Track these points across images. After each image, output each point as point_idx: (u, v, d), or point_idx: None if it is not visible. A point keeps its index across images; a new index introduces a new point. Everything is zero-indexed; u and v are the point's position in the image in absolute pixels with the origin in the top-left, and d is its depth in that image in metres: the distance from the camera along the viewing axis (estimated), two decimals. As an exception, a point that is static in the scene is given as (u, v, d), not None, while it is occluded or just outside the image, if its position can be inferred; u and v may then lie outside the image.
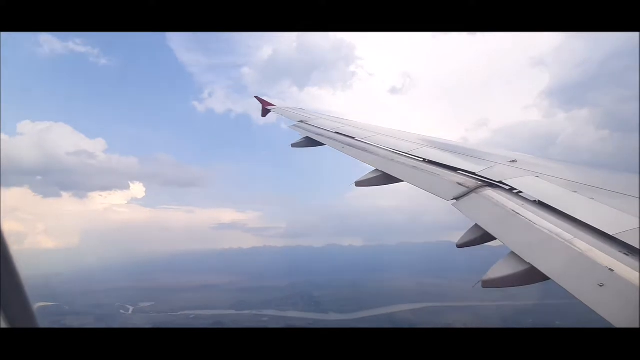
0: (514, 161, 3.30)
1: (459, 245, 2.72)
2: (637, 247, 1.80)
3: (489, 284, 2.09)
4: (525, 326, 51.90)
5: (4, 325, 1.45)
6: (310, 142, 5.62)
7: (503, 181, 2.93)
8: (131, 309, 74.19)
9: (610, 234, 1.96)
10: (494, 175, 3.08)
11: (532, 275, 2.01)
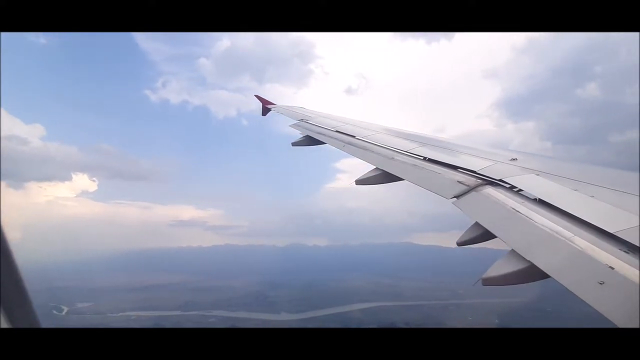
0: (514, 159, 3.29)
1: (459, 243, 2.71)
2: (638, 244, 1.80)
3: (489, 281, 2.09)
4: (465, 323, 53.90)
5: (5, 325, 1.45)
6: (310, 141, 5.59)
7: (503, 179, 2.93)
8: (66, 309, 69.06)
9: (611, 232, 1.95)
10: (494, 173, 3.07)
11: (532, 273, 2.00)
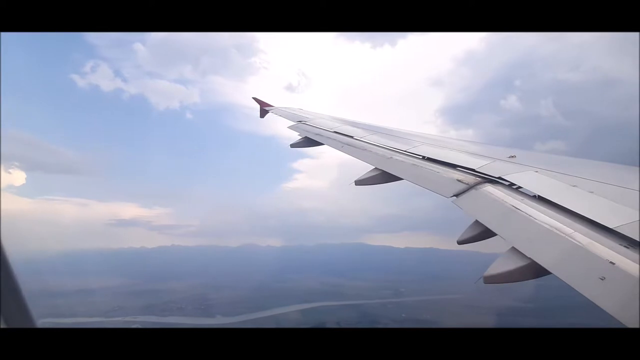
0: (513, 156, 3.30)
1: (460, 242, 2.70)
2: (638, 239, 1.81)
3: (490, 279, 2.09)
4: (398, 321, 55.12)
5: (1, 325, 1.48)
6: (309, 142, 5.62)
7: (502, 177, 2.93)
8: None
9: (611, 227, 1.96)
10: (493, 171, 3.07)
11: (533, 270, 2.01)
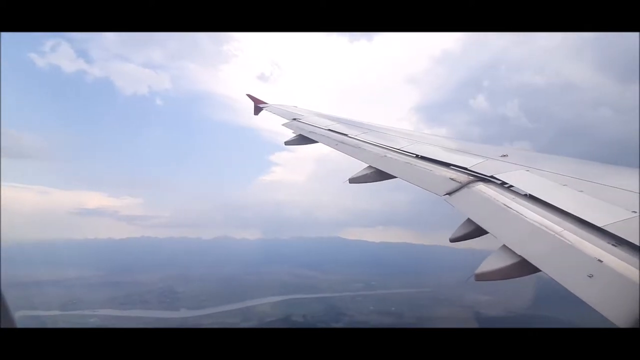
0: (505, 156, 3.33)
1: (452, 240, 2.73)
2: (625, 238, 1.84)
3: (481, 277, 2.11)
4: (364, 313, 55.59)
5: None
6: (303, 140, 5.63)
7: (494, 176, 2.97)
8: None
9: (599, 226, 1.99)
10: (485, 170, 3.10)
11: (523, 268, 2.04)
